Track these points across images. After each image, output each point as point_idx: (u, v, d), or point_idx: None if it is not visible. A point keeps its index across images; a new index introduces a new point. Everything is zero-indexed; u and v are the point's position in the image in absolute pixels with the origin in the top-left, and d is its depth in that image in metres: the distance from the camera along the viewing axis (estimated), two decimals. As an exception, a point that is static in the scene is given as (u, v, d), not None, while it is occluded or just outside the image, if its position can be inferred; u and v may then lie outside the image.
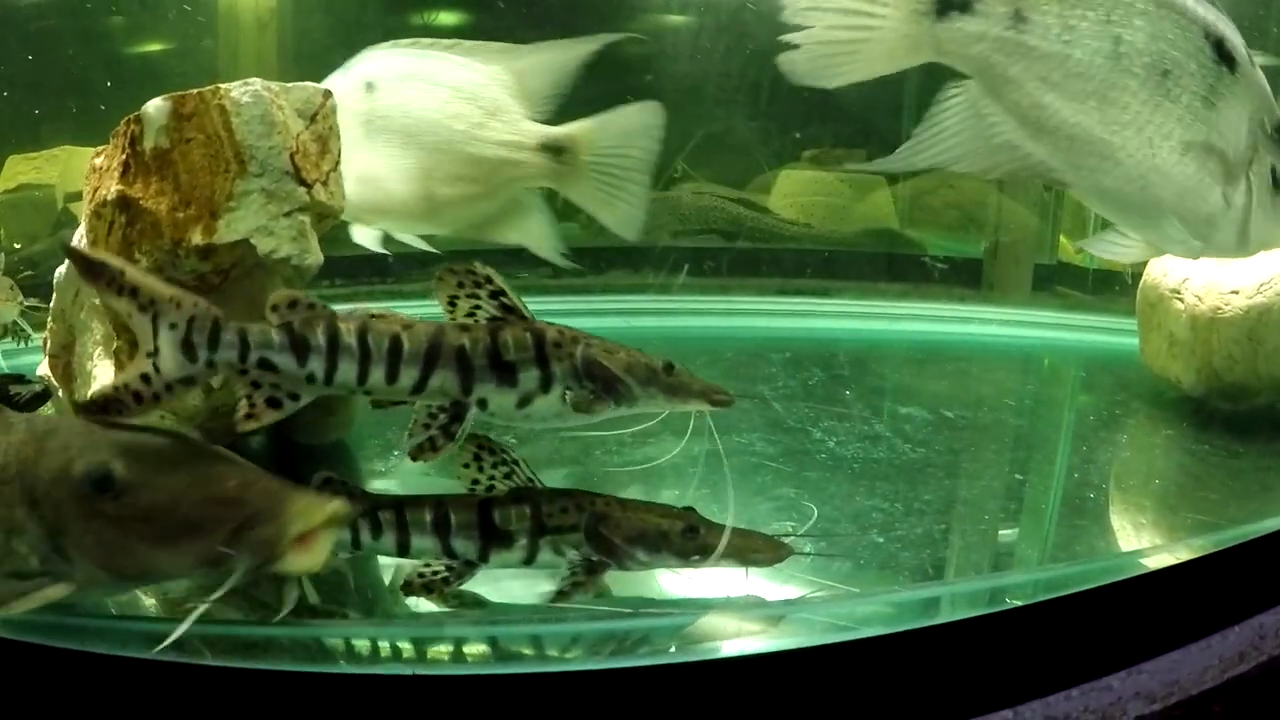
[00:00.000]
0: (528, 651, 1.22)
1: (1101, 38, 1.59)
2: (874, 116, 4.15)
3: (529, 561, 1.28)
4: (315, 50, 4.06)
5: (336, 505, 1.07)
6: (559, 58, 2.32)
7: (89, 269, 1.19)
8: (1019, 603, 1.28)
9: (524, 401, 1.23)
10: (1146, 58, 1.60)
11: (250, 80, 1.51)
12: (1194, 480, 1.95)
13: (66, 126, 3.45)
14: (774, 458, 1.80)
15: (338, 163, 1.59)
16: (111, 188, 1.57)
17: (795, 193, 4.08)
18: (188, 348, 1.15)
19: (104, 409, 1.18)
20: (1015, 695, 1.24)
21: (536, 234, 2.32)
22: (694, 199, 3.99)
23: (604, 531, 1.26)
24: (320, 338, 1.17)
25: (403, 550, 1.27)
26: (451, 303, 1.24)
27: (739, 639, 1.22)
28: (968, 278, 3.76)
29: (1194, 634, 1.38)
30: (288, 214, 1.49)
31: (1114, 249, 1.98)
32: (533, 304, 1.27)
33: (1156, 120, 1.63)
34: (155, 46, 3.74)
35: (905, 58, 1.63)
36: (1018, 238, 3.72)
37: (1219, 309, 2.19)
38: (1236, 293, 2.18)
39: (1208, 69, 1.63)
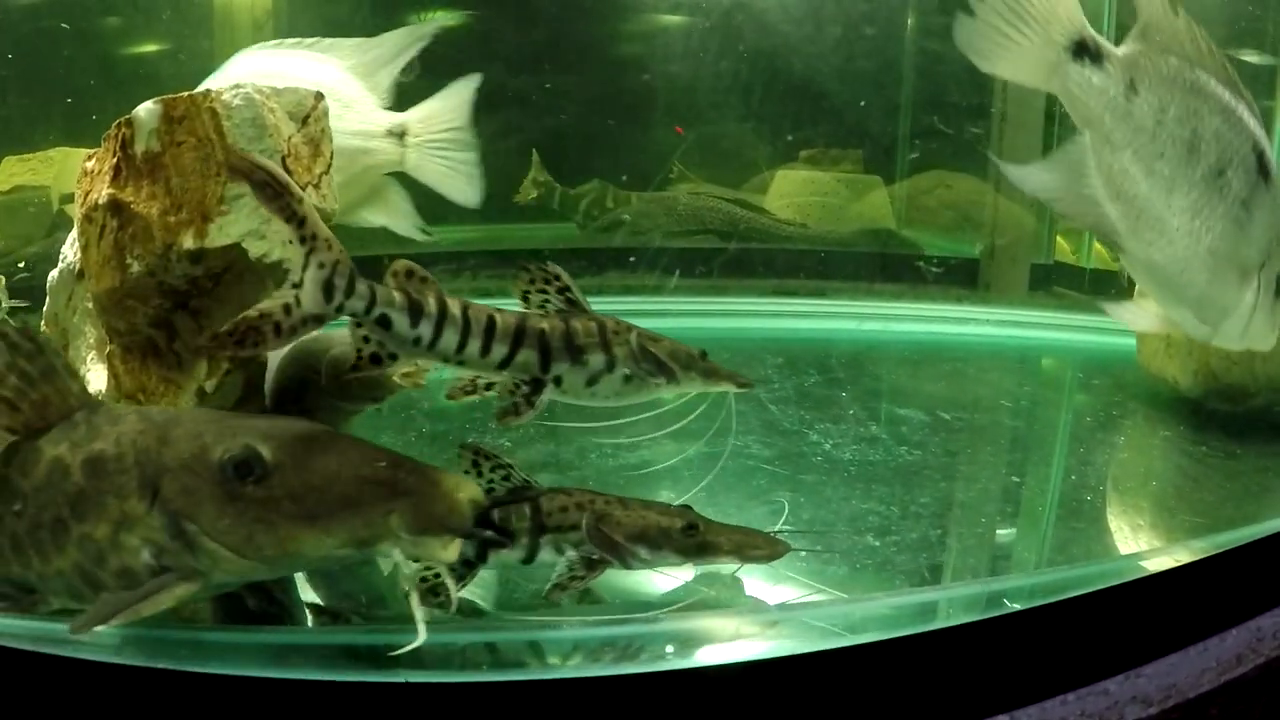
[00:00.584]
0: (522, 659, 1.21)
1: (1185, 126, 1.74)
2: (869, 118, 4.17)
3: (529, 560, 1.32)
4: (310, 50, 4.05)
5: (477, 488, 1.11)
6: (398, 48, 2.44)
7: (267, 188, 1.22)
8: (1016, 606, 1.27)
9: (591, 380, 1.37)
10: (1213, 155, 1.74)
11: (242, 83, 1.50)
12: (1191, 482, 1.94)
13: (62, 128, 3.45)
14: (770, 460, 1.80)
15: (330, 165, 1.58)
16: (103, 191, 1.55)
17: (791, 193, 4.08)
18: (328, 288, 1.24)
19: (243, 338, 1.21)
20: (1011, 700, 1.23)
21: (396, 214, 2.50)
22: (690, 199, 3.98)
23: (605, 530, 1.30)
24: (433, 306, 1.30)
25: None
26: (525, 296, 1.40)
27: (732, 644, 1.22)
28: (964, 278, 3.75)
29: (1191, 637, 1.37)
30: (279, 218, 1.48)
31: (1134, 317, 2.08)
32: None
33: (1208, 211, 1.75)
34: (151, 47, 3.75)
35: (1040, 79, 1.75)
36: (1014, 238, 3.72)
37: (1216, 310, 2.18)
38: (1234, 293, 2.17)
39: (1251, 176, 1.77)
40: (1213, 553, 1.47)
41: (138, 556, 1.09)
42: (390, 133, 2.37)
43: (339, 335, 1.50)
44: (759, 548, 1.34)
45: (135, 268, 1.53)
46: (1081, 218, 1.81)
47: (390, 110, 2.40)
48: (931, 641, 1.20)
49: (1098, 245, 3.83)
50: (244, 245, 1.47)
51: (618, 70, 4.26)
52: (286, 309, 1.23)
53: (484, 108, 4.07)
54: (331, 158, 1.58)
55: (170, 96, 1.50)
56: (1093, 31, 1.75)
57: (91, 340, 1.83)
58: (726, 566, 1.40)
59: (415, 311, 1.29)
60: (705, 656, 1.19)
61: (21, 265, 3.20)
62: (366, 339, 1.30)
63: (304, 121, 1.54)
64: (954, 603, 1.33)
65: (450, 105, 2.42)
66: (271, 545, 1.06)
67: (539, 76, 4.02)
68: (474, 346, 1.32)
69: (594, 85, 4.14)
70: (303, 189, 1.49)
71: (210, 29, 3.79)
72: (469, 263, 3.62)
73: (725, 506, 1.63)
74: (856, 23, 4.14)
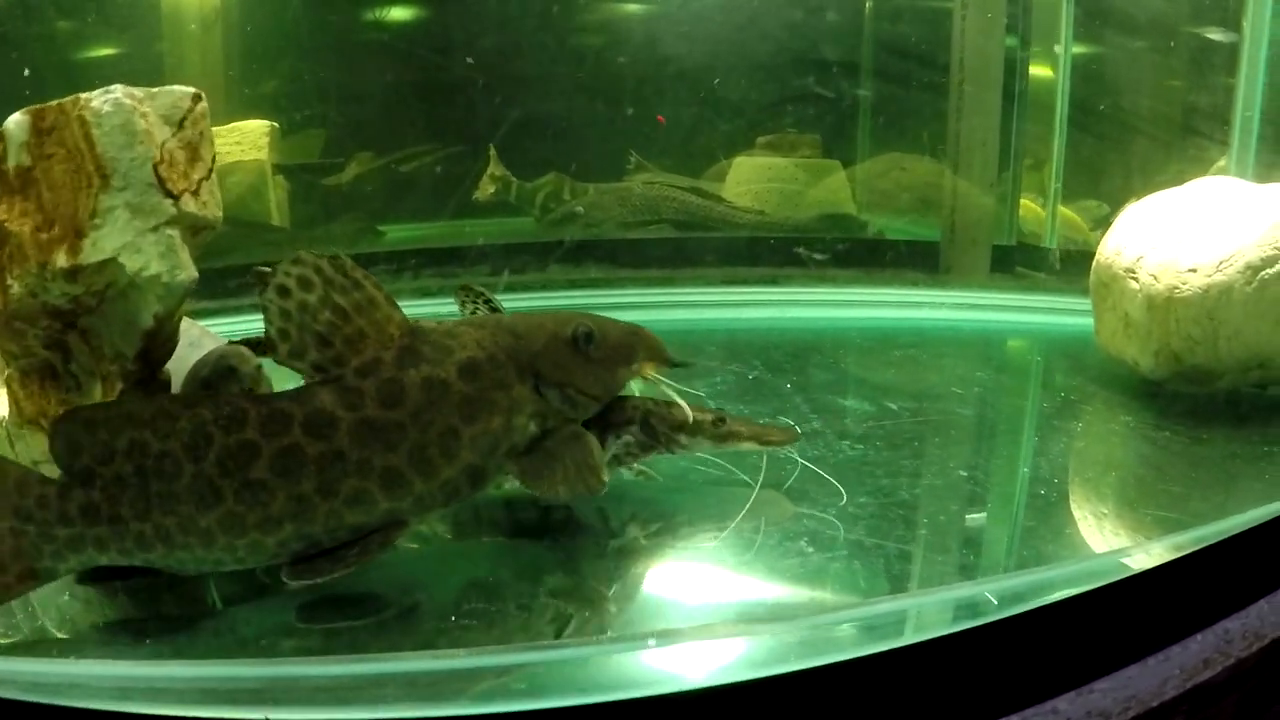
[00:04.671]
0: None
1: None
2: (828, 102, 4.10)
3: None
4: (260, 49, 4.02)
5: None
6: None
7: None
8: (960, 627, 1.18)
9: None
10: None
11: (112, 87, 1.40)
12: (1155, 471, 1.85)
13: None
14: (700, 462, 1.71)
15: (211, 170, 1.48)
16: (-23, 210, 1.46)
17: (750, 180, 4.01)
18: None
19: None
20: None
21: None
22: (645, 189, 3.91)
23: (653, 423, 1.57)
24: None
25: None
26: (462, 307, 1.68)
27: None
28: (925, 261, 3.68)
29: (1151, 646, 1.28)
30: (154, 229, 1.38)
31: None
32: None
33: None
34: (102, 51, 3.69)
35: None
36: (974, 219, 3.64)
37: (1176, 288, 2.09)
38: (1194, 270, 2.08)
39: None
40: (1177, 555, 1.39)
41: (525, 433, 1.33)
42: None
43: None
44: (774, 435, 1.64)
45: (15, 289, 1.45)
46: None
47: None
48: (851, 669, 1.11)
49: (1063, 223, 3.78)
50: (120, 260, 1.38)
51: (574, 61, 4.19)
52: None
53: (437, 101, 4.05)
54: (214, 161, 1.49)
55: (39, 106, 1.41)
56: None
57: (-8, 363, 1.74)
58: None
59: None
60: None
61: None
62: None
63: (180, 124, 1.45)
64: (879, 621, 1.24)
65: None
66: (611, 387, 1.47)
67: (491, 68, 3.96)
68: None
69: (548, 76, 4.08)
70: (177, 198, 1.41)
71: (160, 31, 3.73)
72: (409, 262, 3.55)
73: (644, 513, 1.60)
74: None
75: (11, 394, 1.64)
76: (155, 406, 1.22)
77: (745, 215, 3.88)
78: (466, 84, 3.96)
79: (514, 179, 3.96)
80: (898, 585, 1.36)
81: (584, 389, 1.40)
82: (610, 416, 1.55)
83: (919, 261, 3.65)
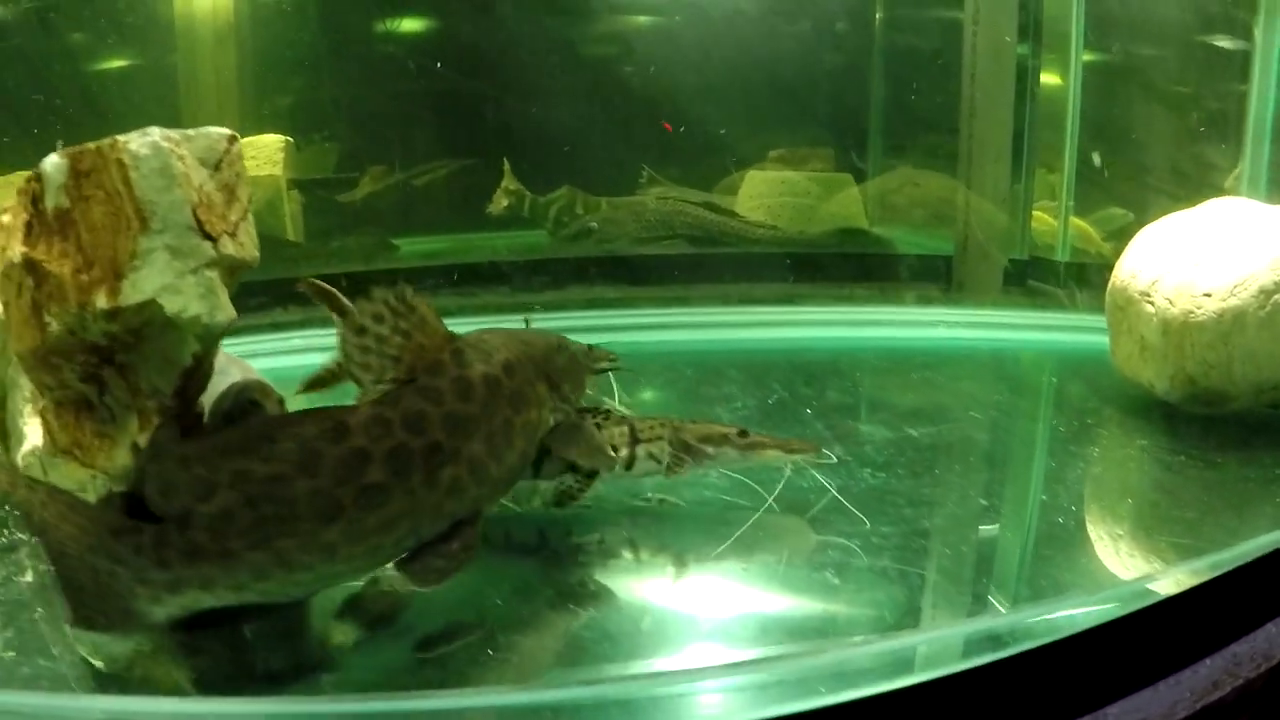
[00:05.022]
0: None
1: None
2: (840, 116, 4.12)
3: (629, 466, 1.67)
4: (274, 63, 4.03)
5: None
6: None
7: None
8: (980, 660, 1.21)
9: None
10: None
11: (149, 130, 1.43)
12: (1170, 497, 1.87)
13: (28, 150, 3.39)
14: (726, 490, 1.73)
15: (247, 211, 1.51)
16: (17, 249, 1.49)
17: (762, 194, 4.02)
18: None
19: None
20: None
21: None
22: (659, 204, 3.93)
23: (683, 437, 1.67)
24: None
25: (536, 470, 1.61)
26: None
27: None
28: (937, 276, 3.69)
29: (1163, 671, 1.32)
30: (194, 271, 1.41)
31: None
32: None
33: None
34: (116, 64, 3.70)
35: None
36: (987, 235, 3.66)
37: (1191, 312, 2.11)
38: (1209, 295, 2.10)
39: None
40: (1191, 585, 1.41)
41: (547, 425, 1.49)
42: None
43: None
44: (797, 446, 1.72)
45: (54, 326, 1.47)
46: None
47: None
48: (883, 702, 1.14)
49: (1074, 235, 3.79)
50: (159, 301, 1.40)
51: (585, 74, 4.21)
52: None
53: (450, 114, 4.07)
54: (249, 202, 1.52)
55: (77, 149, 1.43)
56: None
57: (27, 393, 1.77)
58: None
59: None
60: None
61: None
62: None
63: (216, 167, 1.48)
64: (900, 655, 1.27)
65: None
66: (582, 385, 1.61)
67: (503, 81, 3.98)
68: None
69: (561, 90, 4.10)
70: (215, 240, 1.43)
71: (173, 44, 3.74)
72: (426, 282, 3.57)
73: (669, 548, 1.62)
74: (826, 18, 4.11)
75: (46, 424, 1.67)
76: (248, 433, 1.23)
77: (758, 230, 3.90)
78: (479, 97, 3.98)
79: (527, 193, 3.98)
80: (921, 617, 1.38)
81: (575, 389, 1.58)
82: (639, 431, 1.67)
83: (931, 276, 3.67)
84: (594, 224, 3.91)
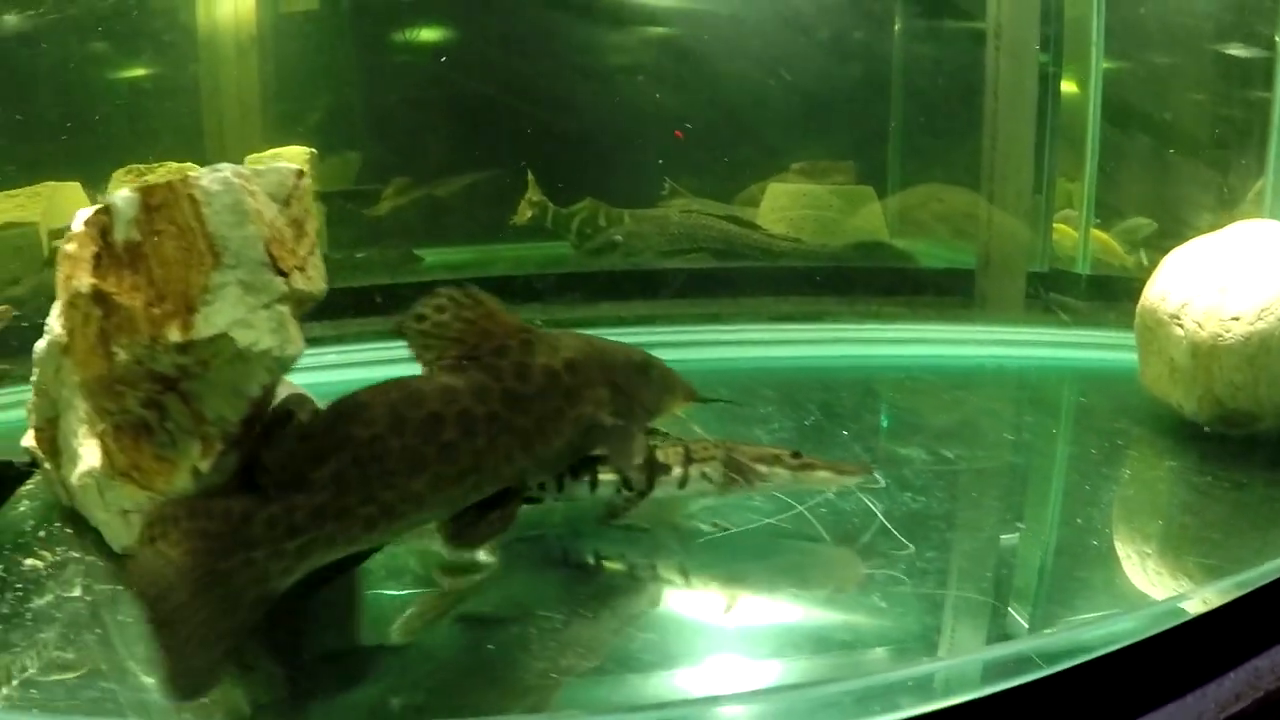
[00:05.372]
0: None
1: None
2: (861, 128, 4.14)
3: (682, 485, 1.71)
4: (296, 75, 4.05)
5: None
6: None
7: None
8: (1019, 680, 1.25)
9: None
10: None
11: (220, 166, 1.46)
12: (1197, 518, 1.91)
13: (50, 160, 3.43)
14: (772, 514, 1.77)
15: (315, 245, 1.54)
16: (85, 280, 1.52)
17: (785, 207, 4.05)
18: None
19: None
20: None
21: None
22: (683, 217, 3.95)
23: (736, 457, 1.69)
24: None
25: (593, 487, 1.70)
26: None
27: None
28: (960, 291, 3.71)
29: (1191, 684, 1.36)
30: (266, 305, 1.44)
31: None
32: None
33: None
34: (138, 73, 3.72)
35: None
36: (1010, 251, 3.68)
37: (1220, 336, 2.15)
38: (1237, 319, 2.14)
39: None
40: (1218, 604, 1.47)
41: (606, 424, 1.58)
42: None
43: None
44: (849, 469, 1.74)
45: (122, 356, 1.50)
46: None
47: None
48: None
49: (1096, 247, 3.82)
50: (231, 335, 1.44)
51: (608, 85, 4.23)
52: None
53: (471, 125, 4.09)
54: (317, 235, 1.55)
55: (148, 185, 1.47)
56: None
57: (82, 414, 1.81)
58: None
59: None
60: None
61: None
62: None
63: (286, 202, 1.51)
64: (950, 676, 1.31)
65: None
66: (658, 406, 1.72)
67: (525, 93, 4.00)
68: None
69: (582, 101, 4.12)
70: (287, 275, 1.47)
71: (195, 54, 3.77)
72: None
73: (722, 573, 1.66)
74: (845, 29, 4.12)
75: (104, 447, 1.70)
76: (343, 405, 1.38)
77: (782, 243, 3.92)
78: (502, 107, 4.01)
79: (550, 204, 4.01)
80: (972, 639, 1.43)
81: (641, 402, 1.67)
82: (693, 451, 1.71)
83: (953, 290, 3.69)
84: (618, 237, 3.94)
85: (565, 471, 1.67)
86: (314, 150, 3.84)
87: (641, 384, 1.68)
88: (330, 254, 3.77)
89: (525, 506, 1.61)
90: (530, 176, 3.99)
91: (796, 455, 1.71)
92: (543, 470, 1.57)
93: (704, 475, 1.70)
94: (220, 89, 3.86)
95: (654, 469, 1.70)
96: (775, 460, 1.70)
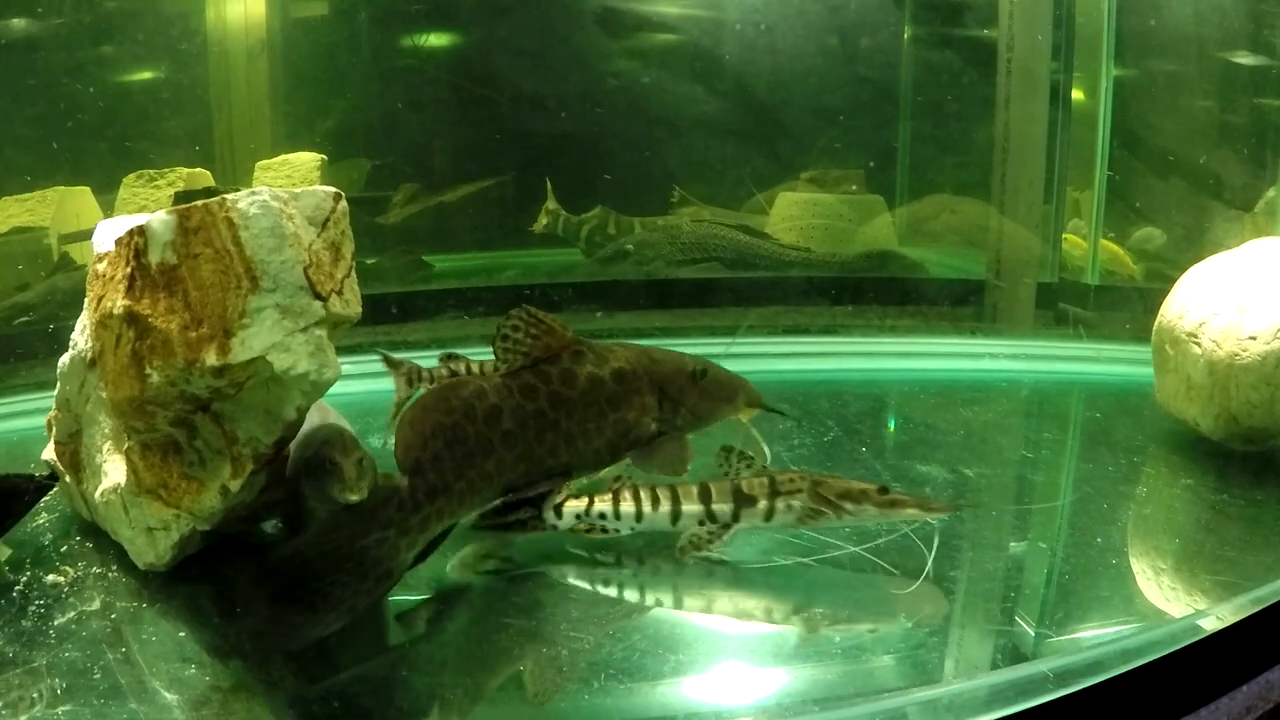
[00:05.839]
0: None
1: None
2: (870, 136, 4.15)
3: (768, 518, 1.70)
4: (305, 79, 4.05)
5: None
6: None
7: None
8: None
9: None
10: None
11: (258, 190, 1.47)
12: (1212, 535, 1.92)
13: (59, 165, 3.43)
14: (795, 535, 1.78)
15: (352, 268, 1.55)
16: (118, 301, 1.53)
17: (794, 216, 4.05)
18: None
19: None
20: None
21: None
22: (693, 226, 3.96)
23: (821, 491, 1.68)
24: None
25: (675, 519, 1.72)
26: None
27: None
28: (970, 303, 3.72)
29: (1205, 698, 1.39)
30: (304, 329, 1.45)
31: None
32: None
33: None
34: (147, 77, 3.72)
35: None
36: (1021, 263, 3.69)
37: (1237, 355, 2.17)
38: (1254, 338, 2.16)
39: None
40: (1231, 622, 1.49)
41: (648, 430, 1.76)
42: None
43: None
44: (936, 506, 1.75)
45: (155, 378, 1.51)
46: None
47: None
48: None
49: (1105, 258, 3.82)
50: (269, 359, 1.45)
51: (617, 92, 4.24)
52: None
53: (479, 132, 4.09)
54: (353, 259, 1.56)
55: (184, 207, 1.48)
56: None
57: (107, 430, 1.81)
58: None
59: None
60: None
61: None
62: None
63: (324, 225, 1.52)
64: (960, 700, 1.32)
65: None
66: (710, 415, 1.84)
67: (535, 99, 4.00)
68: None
69: (594, 107, 4.13)
70: (325, 299, 1.48)
71: (205, 58, 3.77)
72: (477, 309, 3.59)
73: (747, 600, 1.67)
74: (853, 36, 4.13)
75: (131, 464, 1.71)
76: (431, 396, 1.60)
77: (792, 253, 3.93)
78: (512, 114, 4.01)
79: (563, 212, 4.02)
80: (991, 660, 1.44)
81: (692, 410, 1.81)
82: (778, 484, 1.71)
83: (964, 301, 3.70)
84: (629, 246, 3.95)
85: (645, 502, 1.73)
86: (324, 156, 3.84)
87: (692, 392, 1.81)
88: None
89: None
90: (549, 184, 4.00)
91: (884, 491, 1.69)
92: (584, 467, 1.74)
93: (790, 509, 1.70)
94: (230, 94, 3.86)
95: (740, 500, 1.70)
96: (863, 497, 1.69)
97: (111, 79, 3.64)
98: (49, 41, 3.44)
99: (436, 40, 4.25)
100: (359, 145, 4.12)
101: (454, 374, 2.17)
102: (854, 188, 4.10)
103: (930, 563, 1.69)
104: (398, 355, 2.20)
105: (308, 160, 3.82)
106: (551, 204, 3.99)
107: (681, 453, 1.78)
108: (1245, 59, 3.60)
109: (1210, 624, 1.50)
